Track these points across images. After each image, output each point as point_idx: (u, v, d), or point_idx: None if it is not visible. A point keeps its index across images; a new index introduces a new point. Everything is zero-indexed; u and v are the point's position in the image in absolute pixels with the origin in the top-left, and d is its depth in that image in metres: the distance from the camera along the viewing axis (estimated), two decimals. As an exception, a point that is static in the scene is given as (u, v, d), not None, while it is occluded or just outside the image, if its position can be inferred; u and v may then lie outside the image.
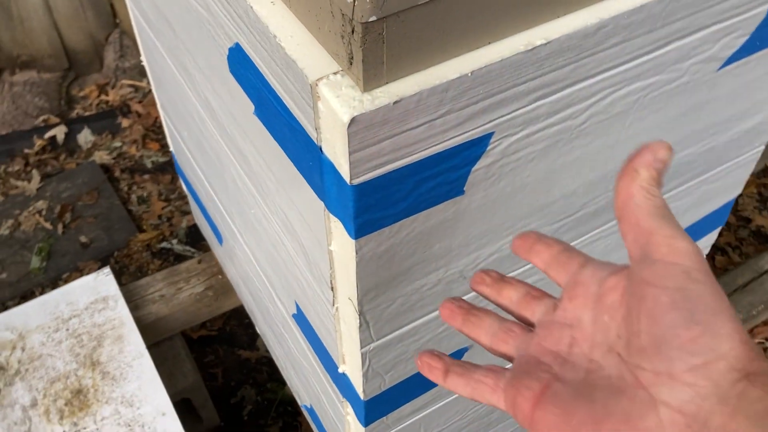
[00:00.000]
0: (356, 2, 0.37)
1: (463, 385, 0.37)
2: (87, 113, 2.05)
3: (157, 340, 1.34)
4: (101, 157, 1.94)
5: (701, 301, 0.30)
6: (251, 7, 0.47)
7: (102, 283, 1.26)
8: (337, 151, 0.44)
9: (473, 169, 0.50)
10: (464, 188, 0.52)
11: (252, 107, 0.58)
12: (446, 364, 0.38)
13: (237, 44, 0.55)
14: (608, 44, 0.48)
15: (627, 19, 0.47)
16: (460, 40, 0.43)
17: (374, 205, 0.47)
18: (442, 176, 0.49)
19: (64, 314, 1.21)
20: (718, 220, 0.85)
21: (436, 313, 0.63)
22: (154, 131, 2.00)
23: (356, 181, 0.45)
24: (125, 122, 2.02)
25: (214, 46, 0.61)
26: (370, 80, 0.42)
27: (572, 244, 0.51)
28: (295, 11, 0.47)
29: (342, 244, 0.51)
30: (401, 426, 0.75)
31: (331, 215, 0.51)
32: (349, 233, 0.49)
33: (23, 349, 1.17)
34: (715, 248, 1.69)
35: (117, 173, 1.91)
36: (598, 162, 0.60)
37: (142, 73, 2.10)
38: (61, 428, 1.07)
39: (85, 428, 1.08)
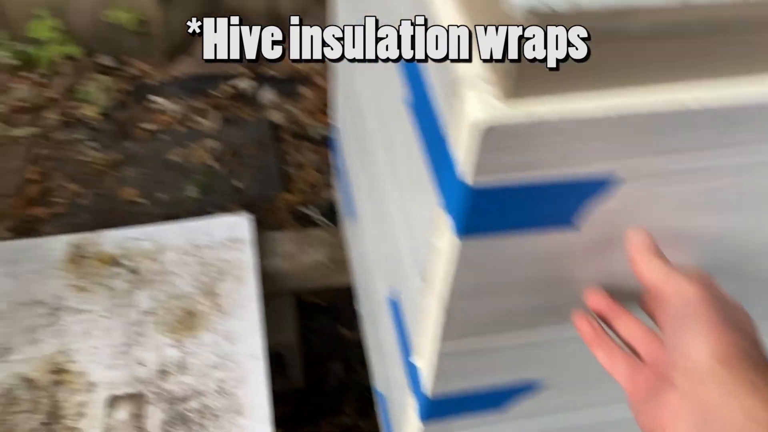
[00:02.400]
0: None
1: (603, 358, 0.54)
2: (275, 74, 2.20)
3: (272, 291, 1.42)
4: (275, 116, 2.07)
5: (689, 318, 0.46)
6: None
7: (241, 225, 1.36)
8: (463, 150, 0.46)
9: (595, 206, 0.50)
10: (579, 223, 0.52)
11: (401, 89, 0.61)
12: (594, 335, 0.55)
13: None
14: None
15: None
16: (620, 77, 0.44)
17: (486, 212, 0.49)
18: (560, 205, 0.49)
19: (200, 243, 1.32)
20: None
21: (520, 338, 0.63)
22: (327, 105, 2.11)
23: (474, 185, 0.46)
24: (304, 91, 2.15)
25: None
26: (511, 91, 0.43)
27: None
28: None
29: (446, 240, 0.53)
30: (459, 435, 0.75)
31: (443, 211, 0.53)
32: (456, 233, 0.50)
33: (156, 261, 1.29)
34: None
35: (284, 135, 2.04)
36: (733, 235, 0.57)
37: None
38: (166, 340, 1.18)
39: (186, 347, 1.17)
